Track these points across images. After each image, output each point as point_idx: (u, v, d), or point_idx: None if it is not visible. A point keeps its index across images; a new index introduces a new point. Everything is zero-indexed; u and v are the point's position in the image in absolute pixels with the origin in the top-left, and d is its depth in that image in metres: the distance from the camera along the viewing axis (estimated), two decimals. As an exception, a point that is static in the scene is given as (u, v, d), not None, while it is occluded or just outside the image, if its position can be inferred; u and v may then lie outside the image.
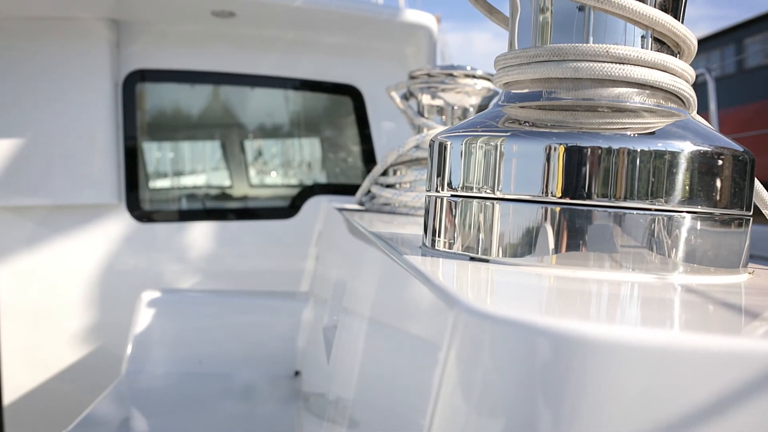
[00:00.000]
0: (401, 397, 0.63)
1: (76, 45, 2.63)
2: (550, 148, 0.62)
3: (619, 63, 0.65)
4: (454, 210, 0.71)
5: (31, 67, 2.59)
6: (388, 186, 1.66)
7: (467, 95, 1.71)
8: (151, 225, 2.85)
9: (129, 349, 2.33)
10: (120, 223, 2.78)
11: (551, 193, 0.62)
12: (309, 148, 3.71)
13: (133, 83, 2.77)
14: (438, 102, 1.73)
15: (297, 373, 2.34)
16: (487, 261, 0.67)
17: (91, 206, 2.72)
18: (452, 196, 0.71)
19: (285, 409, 2.05)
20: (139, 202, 2.82)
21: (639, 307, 0.52)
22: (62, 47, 2.62)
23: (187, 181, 3.82)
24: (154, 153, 3.42)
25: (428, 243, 0.76)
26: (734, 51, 20.37)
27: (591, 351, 0.38)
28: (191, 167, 3.87)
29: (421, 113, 1.76)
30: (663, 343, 0.39)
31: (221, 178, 4.03)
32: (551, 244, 0.63)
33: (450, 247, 0.71)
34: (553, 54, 0.67)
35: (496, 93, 1.75)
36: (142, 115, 2.89)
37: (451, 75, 1.70)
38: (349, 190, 2.79)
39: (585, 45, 0.66)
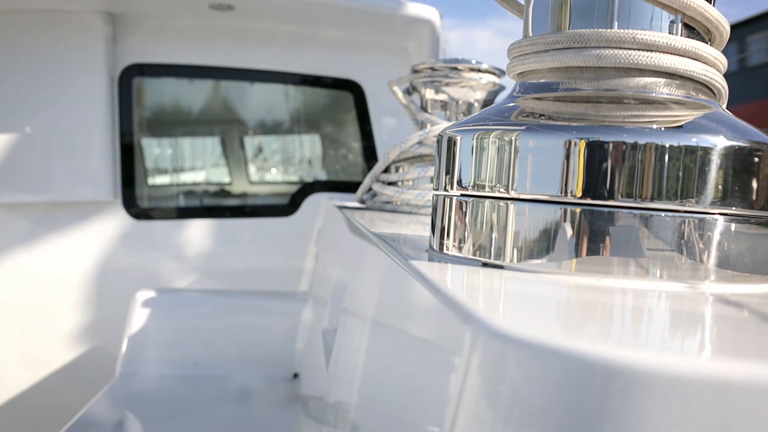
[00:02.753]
0: (409, 413, 0.58)
1: (70, 39, 2.57)
2: (569, 143, 0.57)
3: (647, 50, 0.60)
4: (464, 210, 0.65)
5: (24, 62, 2.54)
6: (390, 183, 1.61)
7: (472, 90, 1.66)
8: (148, 222, 2.80)
9: (123, 350, 2.28)
10: (116, 221, 2.73)
11: (571, 192, 0.57)
12: (309, 145, 3.66)
13: (129, 78, 2.71)
14: (442, 97, 1.68)
15: (295, 376, 2.29)
16: (500, 267, 0.61)
17: (87, 203, 2.67)
18: (462, 195, 0.66)
19: (283, 412, 2.00)
20: (135, 200, 2.77)
21: (674, 324, 0.47)
22: (56, 41, 2.56)
23: (185, 177, 3.77)
24: (151, 149, 3.37)
25: (436, 246, 0.70)
26: (737, 49, 20.31)
27: (637, 382, 0.33)
28: (190, 164, 3.82)
29: (424, 108, 1.71)
30: (710, 373, 0.34)
31: (220, 175, 3.98)
32: (571, 249, 0.58)
33: (460, 251, 0.65)
34: (573, 40, 0.61)
35: (502, 88, 1.70)
36: (139, 110, 2.84)
37: (455, 69, 1.64)
38: (350, 187, 2.73)
39: (609, 30, 0.60)
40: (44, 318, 2.68)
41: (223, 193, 3.71)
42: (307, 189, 3.07)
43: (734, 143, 0.56)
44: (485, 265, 0.63)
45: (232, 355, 2.31)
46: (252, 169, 3.93)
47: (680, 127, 0.58)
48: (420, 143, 1.56)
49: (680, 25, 0.62)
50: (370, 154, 3.00)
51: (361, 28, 2.83)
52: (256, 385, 2.20)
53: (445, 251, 0.68)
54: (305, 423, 1.81)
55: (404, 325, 0.65)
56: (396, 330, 0.69)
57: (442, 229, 0.69)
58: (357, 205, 1.82)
